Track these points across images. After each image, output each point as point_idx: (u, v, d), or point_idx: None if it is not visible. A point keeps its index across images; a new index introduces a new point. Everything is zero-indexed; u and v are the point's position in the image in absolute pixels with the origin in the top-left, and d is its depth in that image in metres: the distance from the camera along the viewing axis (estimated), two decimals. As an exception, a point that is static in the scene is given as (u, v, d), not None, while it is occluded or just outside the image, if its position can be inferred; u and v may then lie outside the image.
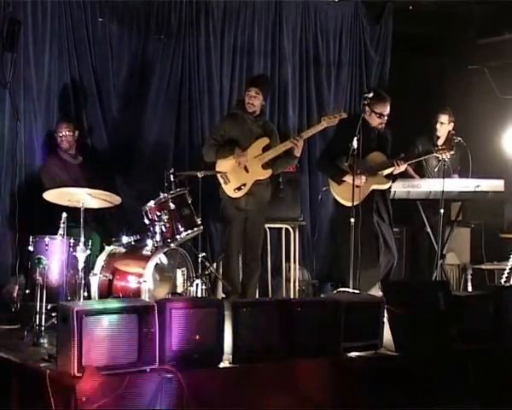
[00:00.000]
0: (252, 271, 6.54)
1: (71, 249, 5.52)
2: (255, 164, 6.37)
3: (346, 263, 6.20)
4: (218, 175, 6.34)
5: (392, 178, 6.71)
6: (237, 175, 6.33)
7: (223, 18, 7.54)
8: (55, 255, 5.56)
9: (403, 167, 6.69)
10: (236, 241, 6.43)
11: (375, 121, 6.64)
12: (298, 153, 6.40)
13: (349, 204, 6.25)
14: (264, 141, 6.43)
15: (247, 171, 6.35)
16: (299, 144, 6.34)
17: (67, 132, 6.49)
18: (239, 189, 6.33)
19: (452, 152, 6.81)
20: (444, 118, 7.46)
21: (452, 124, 7.48)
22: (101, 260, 5.79)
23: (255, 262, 6.56)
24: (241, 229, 6.43)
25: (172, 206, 5.92)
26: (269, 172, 6.43)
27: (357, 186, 6.32)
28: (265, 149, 6.40)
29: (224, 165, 6.37)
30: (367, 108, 6.57)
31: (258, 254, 6.62)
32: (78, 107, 6.88)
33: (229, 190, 6.34)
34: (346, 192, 6.37)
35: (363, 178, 6.49)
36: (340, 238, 6.64)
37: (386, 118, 6.66)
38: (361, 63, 8.34)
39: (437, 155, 6.84)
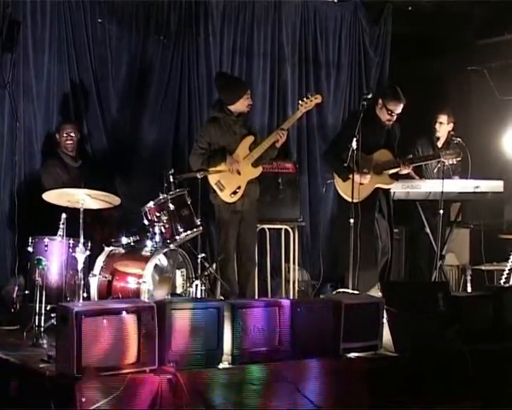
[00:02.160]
0: (248, 271, 6.54)
1: (70, 250, 5.52)
2: (245, 164, 6.36)
3: (346, 263, 6.21)
4: (213, 184, 6.30)
5: (397, 177, 6.73)
6: (231, 179, 6.31)
7: (222, 19, 7.54)
8: (55, 256, 5.57)
9: (409, 169, 6.72)
10: (233, 243, 6.42)
11: (384, 116, 6.65)
12: (279, 144, 6.40)
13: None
14: (250, 139, 6.42)
15: (239, 173, 6.34)
16: (284, 137, 6.36)
17: (72, 134, 6.51)
18: (234, 193, 6.32)
19: (459, 158, 6.81)
20: (443, 118, 7.45)
21: (452, 124, 7.46)
22: (100, 261, 5.78)
23: (251, 262, 6.57)
24: (237, 231, 6.43)
25: (172, 206, 5.92)
26: (259, 170, 6.42)
27: (361, 184, 6.34)
28: (252, 147, 6.40)
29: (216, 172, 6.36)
30: (380, 101, 6.60)
31: (254, 254, 6.62)
32: (77, 107, 6.88)
33: (226, 196, 6.32)
34: (350, 189, 6.34)
35: (368, 176, 6.50)
36: (340, 237, 6.64)
37: (395, 116, 6.68)
38: (360, 64, 8.35)
39: (443, 160, 6.81)
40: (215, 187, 6.32)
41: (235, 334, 4.48)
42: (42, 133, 6.69)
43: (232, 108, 6.38)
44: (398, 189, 6.93)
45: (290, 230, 7.26)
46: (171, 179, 6.02)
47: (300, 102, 6.53)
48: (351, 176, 6.34)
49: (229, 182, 6.32)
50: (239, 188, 6.33)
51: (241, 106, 6.38)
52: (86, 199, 5.46)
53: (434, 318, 5.19)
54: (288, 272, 7.31)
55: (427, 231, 7.27)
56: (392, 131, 6.81)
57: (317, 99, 6.51)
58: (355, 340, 4.90)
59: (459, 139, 7.02)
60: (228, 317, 4.47)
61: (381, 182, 6.67)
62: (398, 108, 6.65)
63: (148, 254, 5.74)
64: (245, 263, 6.52)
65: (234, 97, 6.38)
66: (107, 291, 5.68)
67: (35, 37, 6.60)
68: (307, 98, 6.50)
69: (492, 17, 8.44)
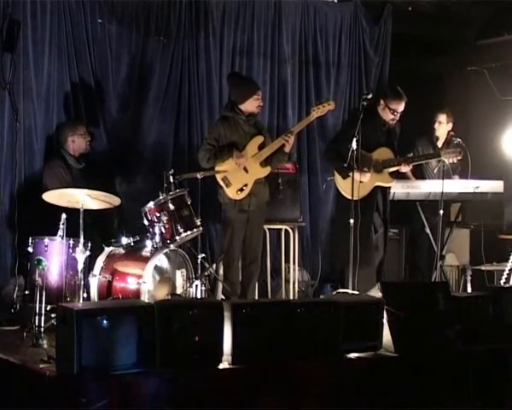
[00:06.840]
0: (252, 272, 6.52)
1: (70, 250, 5.53)
2: (253, 163, 6.37)
3: (345, 261, 6.21)
4: (219, 180, 6.31)
5: (396, 176, 6.74)
6: (238, 176, 6.32)
7: (222, 19, 7.53)
8: (55, 256, 5.56)
9: (409, 167, 6.73)
10: (238, 244, 6.41)
11: (387, 116, 6.67)
12: (288, 149, 6.40)
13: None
14: (259, 139, 6.43)
15: (246, 171, 6.35)
16: (291, 140, 6.36)
17: (87, 134, 6.56)
18: (241, 190, 6.32)
19: (460, 157, 6.82)
20: (442, 117, 7.47)
21: (451, 124, 7.48)
22: (100, 262, 5.78)
23: (255, 264, 6.55)
24: (243, 231, 6.41)
25: (172, 207, 5.92)
26: (268, 170, 6.43)
27: (361, 182, 6.35)
28: (261, 147, 6.40)
29: (223, 168, 6.35)
30: (381, 102, 6.61)
31: (259, 256, 6.61)
32: (77, 108, 6.87)
33: (232, 192, 6.32)
34: (350, 186, 6.34)
35: (368, 174, 6.51)
36: (340, 236, 6.64)
37: (398, 115, 6.68)
38: (360, 64, 8.35)
39: (444, 159, 6.82)
40: (221, 183, 6.31)
41: (235, 334, 4.48)
42: (42, 133, 6.67)
43: (242, 107, 6.38)
44: (398, 189, 6.94)
45: (290, 230, 7.26)
46: (172, 180, 6.03)
47: (314, 107, 6.53)
48: (351, 174, 6.35)
49: (236, 178, 6.32)
50: (245, 185, 6.32)
51: (250, 106, 6.38)
52: (86, 199, 5.46)
53: (434, 318, 5.19)
54: (288, 272, 7.31)
55: (428, 231, 7.28)
56: (393, 129, 6.82)
57: (331, 105, 6.50)
58: (355, 340, 4.90)
59: (459, 139, 7.03)
60: (228, 317, 4.47)
61: (380, 180, 6.68)
62: (401, 107, 6.66)
63: (148, 254, 5.74)
64: (249, 265, 6.51)
65: (244, 96, 6.38)
66: (107, 292, 5.69)
67: (35, 37, 6.58)
68: (320, 104, 6.51)
69: (492, 17, 8.46)
